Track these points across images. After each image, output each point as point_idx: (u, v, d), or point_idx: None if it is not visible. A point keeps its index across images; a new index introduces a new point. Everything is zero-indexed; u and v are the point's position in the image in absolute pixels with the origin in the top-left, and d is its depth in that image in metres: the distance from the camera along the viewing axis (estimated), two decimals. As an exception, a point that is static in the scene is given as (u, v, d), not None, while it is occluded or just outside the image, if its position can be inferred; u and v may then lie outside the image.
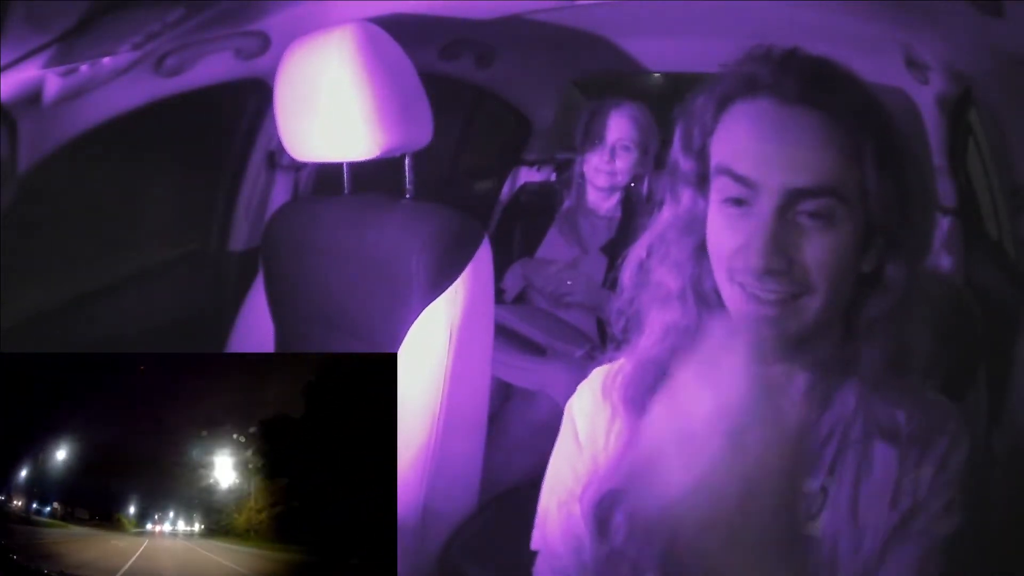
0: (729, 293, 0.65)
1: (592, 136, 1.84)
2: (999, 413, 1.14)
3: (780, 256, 0.60)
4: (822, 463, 0.67)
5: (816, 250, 0.60)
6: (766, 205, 0.60)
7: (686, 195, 0.69)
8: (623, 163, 1.82)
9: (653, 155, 1.90)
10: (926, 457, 0.65)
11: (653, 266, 0.72)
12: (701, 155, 0.67)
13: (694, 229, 0.69)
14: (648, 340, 0.72)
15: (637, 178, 1.88)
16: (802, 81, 0.61)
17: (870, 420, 0.65)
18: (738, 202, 0.62)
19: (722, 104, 0.65)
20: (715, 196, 0.65)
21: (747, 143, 0.62)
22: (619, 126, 1.83)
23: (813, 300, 0.62)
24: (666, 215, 0.71)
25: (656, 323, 0.71)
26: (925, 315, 0.66)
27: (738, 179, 0.61)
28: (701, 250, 0.68)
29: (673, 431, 0.48)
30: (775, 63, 0.63)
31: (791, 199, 0.60)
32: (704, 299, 0.69)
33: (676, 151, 0.69)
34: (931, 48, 1.33)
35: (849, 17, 1.29)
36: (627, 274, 0.74)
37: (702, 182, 0.67)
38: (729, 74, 0.65)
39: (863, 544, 0.64)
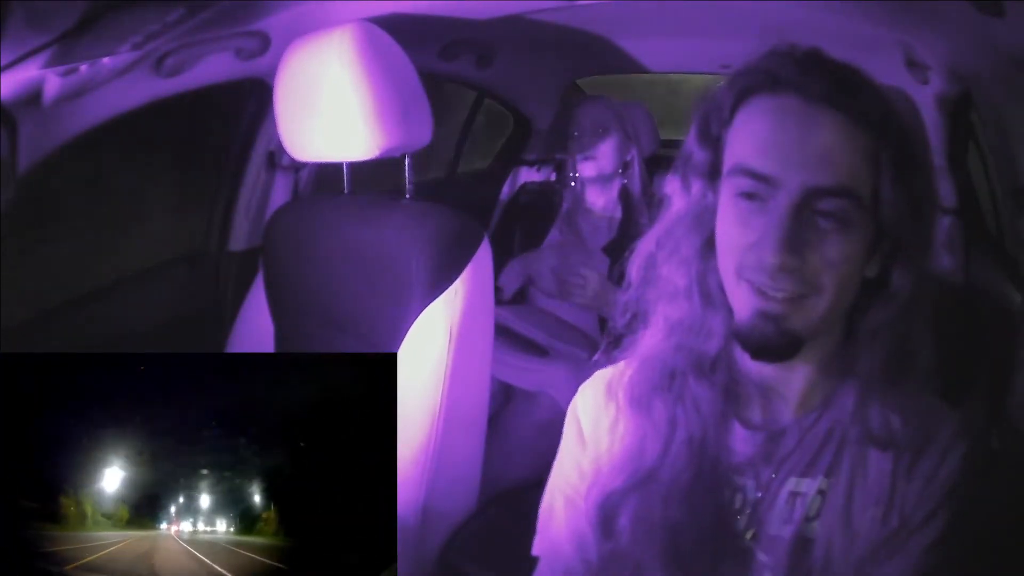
0: (735, 290, 0.64)
1: (571, 130, 1.86)
2: (999, 414, 1.14)
3: (794, 253, 0.59)
4: (820, 465, 0.67)
5: (828, 251, 0.60)
6: (783, 201, 0.59)
7: (696, 187, 0.68)
8: (606, 146, 1.83)
9: (639, 142, 1.90)
10: (916, 469, 0.65)
11: (661, 261, 0.71)
12: (716, 147, 0.66)
13: (702, 223, 0.68)
14: (654, 337, 0.72)
15: (626, 166, 1.88)
16: (826, 82, 0.60)
17: (866, 424, 0.65)
18: (753, 196, 0.61)
19: (741, 97, 0.64)
20: (728, 189, 0.64)
21: (768, 137, 0.61)
22: (592, 112, 1.85)
23: (820, 301, 0.61)
24: (676, 207, 0.70)
25: (662, 319, 0.71)
26: (928, 320, 0.65)
27: (756, 174, 0.61)
28: (708, 246, 0.68)
29: None
30: (799, 61, 0.62)
31: (809, 197, 0.59)
32: (708, 297, 0.68)
33: (692, 141, 0.68)
34: (931, 48, 1.33)
35: (849, 17, 1.29)
36: (634, 268, 0.73)
37: (713, 174, 0.67)
38: (750, 68, 0.64)
39: (855, 549, 0.64)
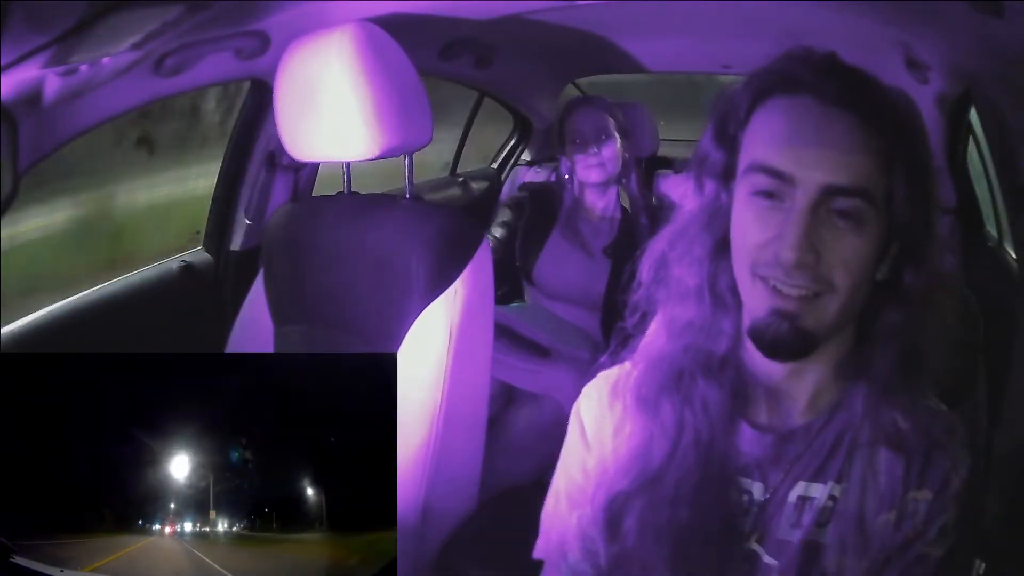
0: (749, 288, 0.64)
1: (569, 136, 1.85)
2: (999, 413, 1.14)
3: (810, 251, 0.60)
4: (830, 470, 0.67)
5: (843, 250, 0.60)
6: (800, 200, 0.60)
7: (710, 187, 0.68)
8: (608, 151, 1.82)
9: (639, 142, 1.89)
10: (927, 477, 0.65)
11: (673, 261, 0.71)
12: (732, 147, 0.67)
13: (715, 224, 0.68)
14: (661, 337, 0.72)
15: (625, 167, 1.88)
16: (841, 84, 0.61)
17: (876, 427, 0.65)
18: (769, 195, 0.62)
19: (758, 98, 0.65)
20: (744, 189, 0.64)
21: (785, 136, 0.62)
22: (590, 118, 1.84)
23: (833, 300, 0.61)
24: (690, 207, 0.70)
25: (671, 320, 0.71)
26: (937, 323, 0.66)
27: (773, 172, 0.61)
28: (720, 247, 0.68)
29: None
30: (814, 65, 0.63)
31: (825, 196, 0.60)
32: (719, 297, 0.69)
33: (707, 142, 0.68)
34: (931, 48, 1.33)
35: (849, 17, 1.29)
36: (646, 268, 0.73)
37: (728, 175, 0.67)
38: (766, 71, 0.65)
39: (868, 556, 0.64)
